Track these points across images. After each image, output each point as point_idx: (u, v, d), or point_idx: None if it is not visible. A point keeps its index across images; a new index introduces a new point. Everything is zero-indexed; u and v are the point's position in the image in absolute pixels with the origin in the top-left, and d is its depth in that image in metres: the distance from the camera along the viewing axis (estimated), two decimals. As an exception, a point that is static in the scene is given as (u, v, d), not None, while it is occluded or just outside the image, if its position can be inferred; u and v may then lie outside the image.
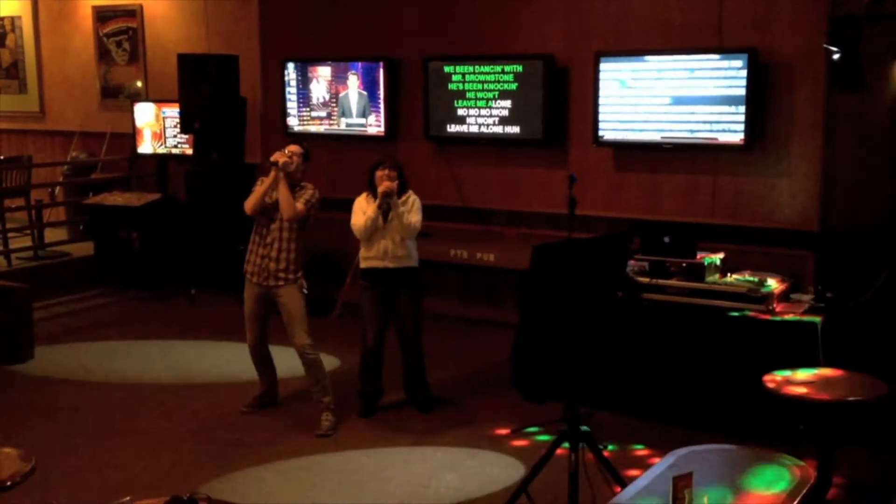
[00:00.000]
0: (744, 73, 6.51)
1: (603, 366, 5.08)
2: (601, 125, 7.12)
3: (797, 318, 5.40)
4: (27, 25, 11.20)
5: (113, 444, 5.51)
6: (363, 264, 5.89)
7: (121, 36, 10.52)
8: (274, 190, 5.60)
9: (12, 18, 11.33)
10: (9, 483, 3.77)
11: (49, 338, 7.55)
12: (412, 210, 5.78)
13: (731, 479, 3.53)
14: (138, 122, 9.80)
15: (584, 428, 4.34)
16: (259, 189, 5.64)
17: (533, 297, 4.13)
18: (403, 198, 5.77)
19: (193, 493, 3.20)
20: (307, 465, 5.26)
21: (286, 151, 5.68)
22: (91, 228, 9.61)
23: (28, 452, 4.05)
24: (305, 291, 5.75)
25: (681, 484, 3.20)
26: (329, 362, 5.88)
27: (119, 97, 10.56)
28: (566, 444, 4.24)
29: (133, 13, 10.35)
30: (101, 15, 10.59)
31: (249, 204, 5.65)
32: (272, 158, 5.63)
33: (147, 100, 10.03)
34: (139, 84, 10.44)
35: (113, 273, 9.31)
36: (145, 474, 5.09)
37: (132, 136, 9.90)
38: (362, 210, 5.79)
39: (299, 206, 5.59)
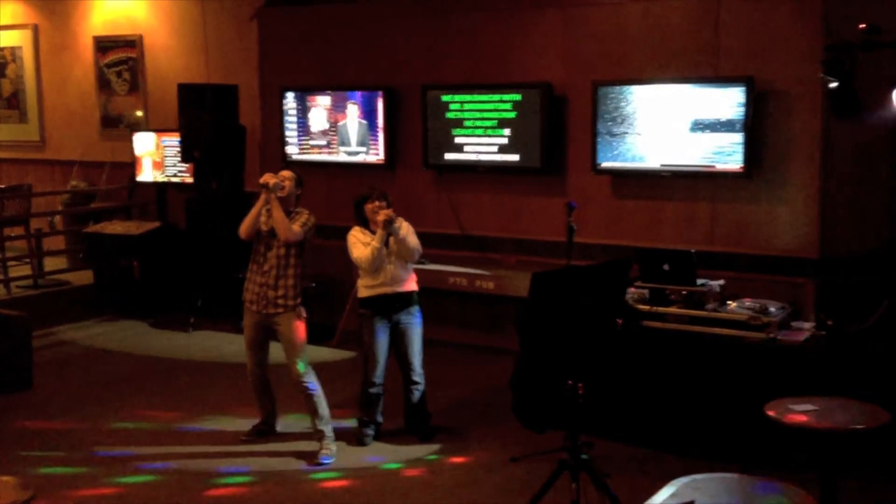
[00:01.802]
0: (742, 101, 6.55)
1: (603, 394, 5.07)
2: (599, 153, 7.15)
3: (798, 345, 5.39)
4: (28, 56, 11.27)
5: (110, 477, 5.47)
6: (366, 293, 5.87)
7: (121, 66, 10.59)
8: (269, 216, 5.60)
9: (13, 49, 11.40)
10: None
11: (48, 366, 7.53)
12: (409, 233, 5.81)
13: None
14: (138, 152, 9.83)
15: (585, 457, 4.33)
16: (252, 212, 5.64)
17: (532, 325, 4.12)
18: (397, 223, 5.77)
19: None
20: (306, 495, 5.23)
21: (278, 175, 5.68)
22: (90, 257, 9.60)
23: (26, 481, 4.04)
24: (305, 317, 5.74)
25: (683, 513, 3.19)
26: (328, 390, 5.86)
27: (119, 127, 10.61)
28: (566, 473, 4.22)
29: (133, 43, 10.43)
30: (102, 45, 10.66)
31: (243, 227, 5.67)
32: (262, 180, 5.62)
33: (147, 129, 10.07)
34: (139, 114, 10.49)
35: (112, 301, 9.31)
36: (144, 505, 5.07)
37: (132, 165, 9.93)
38: (362, 242, 5.78)
39: (296, 227, 5.59)
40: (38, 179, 10.85)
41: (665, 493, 3.64)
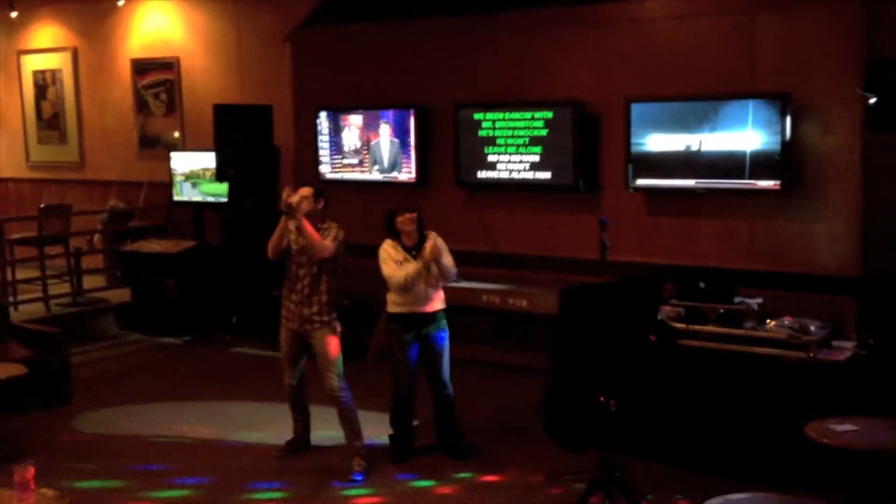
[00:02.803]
0: (778, 117, 6.49)
1: (639, 413, 5.02)
2: (633, 170, 7.11)
3: (839, 364, 5.30)
4: (68, 78, 11.47)
5: (145, 491, 5.51)
6: (395, 309, 5.88)
7: (158, 88, 10.74)
8: (299, 234, 5.60)
9: (53, 71, 11.61)
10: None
11: (85, 383, 7.60)
12: (444, 252, 5.79)
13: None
14: (175, 171, 9.94)
15: (618, 475, 4.28)
16: (276, 232, 5.65)
17: (562, 341, 4.09)
18: (431, 241, 5.76)
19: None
20: (339, 512, 5.23)
21: (296, 193, 5.63)
22: (128, 275, 9.71)
23: (64, 494, 4.08)
24: (339, 331, 5.75)
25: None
26: (361, 407, 5.86)
27: (156, 147, 10.74)
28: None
29: (171, 66, 10.57)
30: (140, 67, 10.83)
31: (269, 247, 5.70)
32: (286, 201, 5.54)
33: (183, 149, 10.19)
34: (176, 134, 10.62)
35: (149, 319, 9.39)
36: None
37: (169, 184, 10.04)
38: (394, 260, 5.77)
39: (328, 243, 5.60)
40: (78, 199, 10.97)
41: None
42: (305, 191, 5.70)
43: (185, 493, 5.48)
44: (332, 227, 5.74)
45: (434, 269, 5.71)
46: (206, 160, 9.50)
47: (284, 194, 5.59)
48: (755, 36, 6.77)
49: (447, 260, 5.78)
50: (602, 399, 4.21)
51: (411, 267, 5.68)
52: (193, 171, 9.84)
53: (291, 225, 5.61)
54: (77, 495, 5.22)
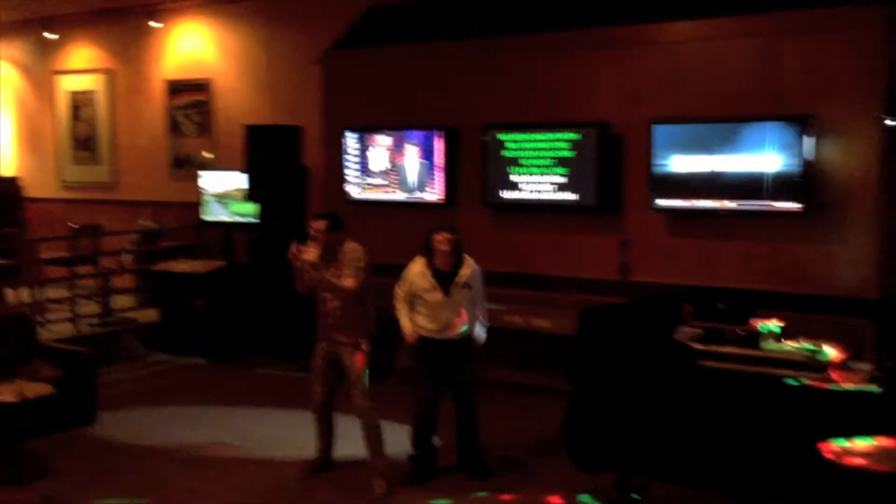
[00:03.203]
0: (800, 139, 6.49)
1: (657, 434, 5.01)
2: (655, 192, 7.13)
3: (856, 386, 5.26)
4: (102, 99, 11.69)
5: (170, 507, 5.60)
6: (420, 332, 5.91)
7: (191, 109, 10.92)
8: (317, 272, 5.67)
9: (88, 93, 11.85)
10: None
11: (112, 402, 7.70)
12: (478, 286, 5.93)
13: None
14: (205, 191, 10.08)
15: (635, 496, 4.28)
16: (298, 272, 5.71)
17: (582, 361, 4.11)
18: (467, 270, 5.81)
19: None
20: (359, 531, 5.27)
21: (311, 229, 5.70)
22: (157, 295, 9.85)
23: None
24: (367, 350, 5.80)
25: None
26: (386, 426, 5.91)
27: (188, 167, 10.90)
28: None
29: (203, 87, 10.75)
30: (173, 89, 11.02)
31: (298, 288, 5.81)
32: (305, 260, 5.64)
33: (214, 169, 10.34)
34: (207, 154, 10.77)
35: (176, 339, 9.50)
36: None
37: (199, 204, 10.19)
38: (421, 287, 5.81)
39: (349, 283, 5.65)
40: (110, 219, 11.16)
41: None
42: (319, 224, 5.72)
43: (208, 509, 5.55)
44: (353, 254, 5.72)
45: (454, 293, 5.77)
46: (237, 180, 9.63)
47: (291, 253, 5.65)
48: (778, 59, 6.78)
49: (481, 331, 5.97)
50: (619, 419, 4.19)
51: (408, 327, 5.85)
52: (224, 191, 9.97)
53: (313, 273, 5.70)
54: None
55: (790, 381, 5.41)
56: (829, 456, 4.36)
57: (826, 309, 6.47)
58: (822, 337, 5.86)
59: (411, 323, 5.86)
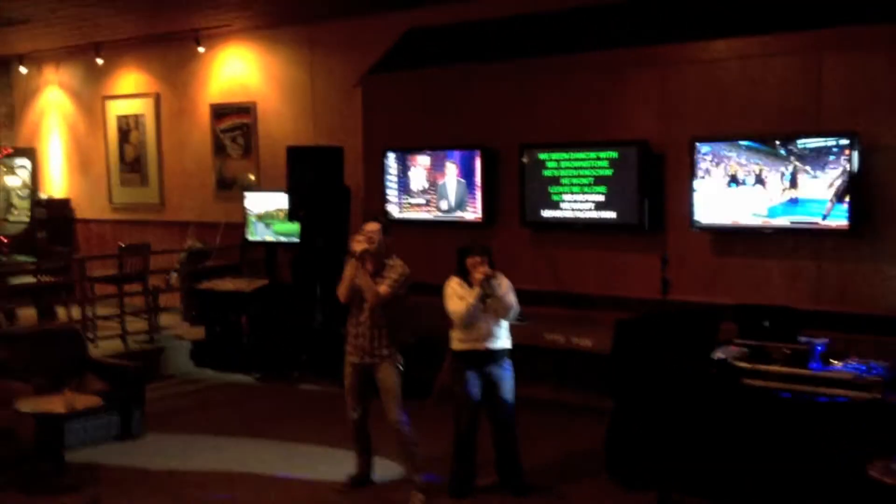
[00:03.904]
0: (846, 156, 6.43)
1: (701, 453, 4.96)
2: (697, 210, 7.10)
3: (904, 404, 5.20)
4: (150, 123, 11.94)
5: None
6: (459, 346, 5.95)
7: (235, 131, 11.11)
8: (358, 278, 5.73)
9: (136, 117, 12.11)
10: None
11: (158, 417, 7.81)
12: (507, 291, 5.85)
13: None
14: (249, 211, 10.23)
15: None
16: (346, 277, 5.79)
17: (620, 373, 4.11)
18: (497, 280, 5.85)
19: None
20: (399, 546, 5.28)
21: (364, 231, 5.79)
22: (203, 313, 9.98)
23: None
24: (401, 367, 5.84)
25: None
26: (424, 444, 5.93)
27: (233, 188, 11.08)
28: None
29: (247, 110, 10.94)
30: (218, 112, 11.22)
31: (340, 293, 5.85)
32: (350, 248, 5.75)
33: (258, 190, 10.49)
34: (252, 177, 10.94)
35: (222, 356, 9.61)
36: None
37: (244, 224, 10.33)
38: (458, 295, 5.87)
39: (383, 289, 5.71)
40: (157, 239, 11.37)
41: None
42: (373, 226, 5.84)
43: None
44: (396, 266, 5.84)
45: (489, 302, 5.76)
46: (280, 201, 9.76)
47: (352, 245, 5.76)
48: (822, 74, 6.74)
49: (509, 299, 5.82)
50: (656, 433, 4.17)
51: (469, 297, 5.76)
52: (267, 211, 10.11)
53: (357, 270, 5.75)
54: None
55: (838, 401, 5.36)
56: (873, 474, 4.30)
57: (875, 328, 6.37)
58: (870, 357, 5.79)
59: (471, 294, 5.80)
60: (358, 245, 5.74)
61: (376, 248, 5.78)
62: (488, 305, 5.79)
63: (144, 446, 7.14)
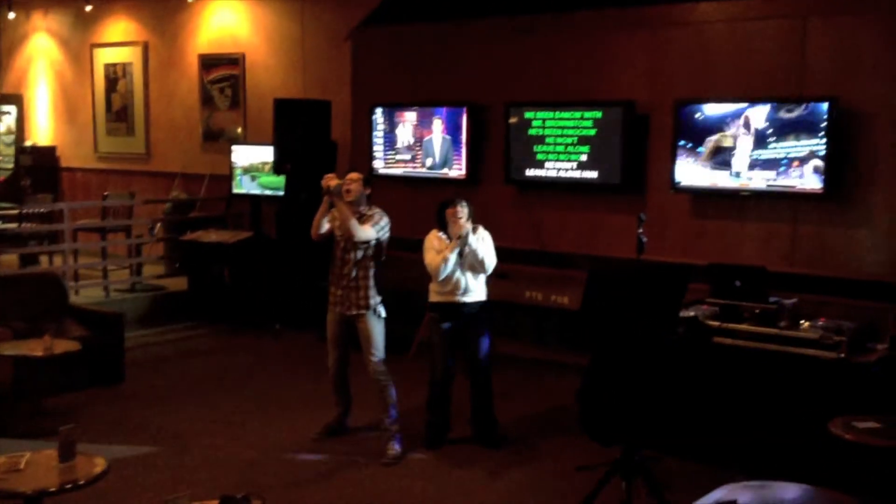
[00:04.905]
0: (825, 121, 6.47)
1: (662, 399, 5.04)
2: (678, 172, 7.14)
3: (869, 365, 5.28)
4: (137, 72, 11.87)
5: (187, 464, 5.74)
6: (435, 298, 6.01)
7: (224, 83, 11.05)
8: (337, 218, 5.74)
9: (124, 65, 12.03)
10: (82, 482, 4.03)
11: (139, 364, 7.88)
12: (484, 244, 5.90)
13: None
14: (235, 164, 10.21)
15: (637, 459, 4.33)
16: (318, 213, 5.81)
17: (587, 322, 4.17)
18: (476, 234, 5.89)
19: (247, 494, 3.33)
20: (370, 491, 5.37)
21: (344, 180, 5.78)
22: (186, 264, 10.02)
23: (102, 457, 4.29)
24: (383, 316, 5.89)
25: (723, 512, 3.19)
26: (401, 397, 6.01)
27: (219, 140, 11.05)
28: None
29: (236, 61, 10.88)
30: (207, 63, 11.15)
31: (313, 228, 5.86)
32: (323, 183, 5.67)
33: (244, 143, 10.47)
34: (239, 129, 10.91)
35: (203, 307, 9.67)
36: (214, 489, 5.27)
37: (229, 177, 10.33)
38: (435, 249, 5.92)
39: (366, 227, 5.72)
40: (143, 190, 11.35)
41: (714, 495, 3.64)
42: (354, 175, 5.89)
43: (225, 462, 5.67)
44: (375, 213, 5.87)
45: (468, 253, 5.80)
46: (266, 154, 9.75)
47: (324, 180, 5.71)
48: (806, 40, 6.75)
49: (483, 250, 5.86)
50: (624, 384, 4.25)
51: (446, 250, 5.80)
52: (252, 164, 10.10)
53: (334, 211, 5.75)
54: (121, 464, 5.44)
55: (804, 360, 5.44)
56: (833, 430, 4.38)
57: (848, 292, 6.44)
58: (839, 318, 5.87)
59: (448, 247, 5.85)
60: (331, 179, 5.68)
61: (353, 198, 5.79)
62: (464, 259, 5.84)
63: (123, 393, 7.21)
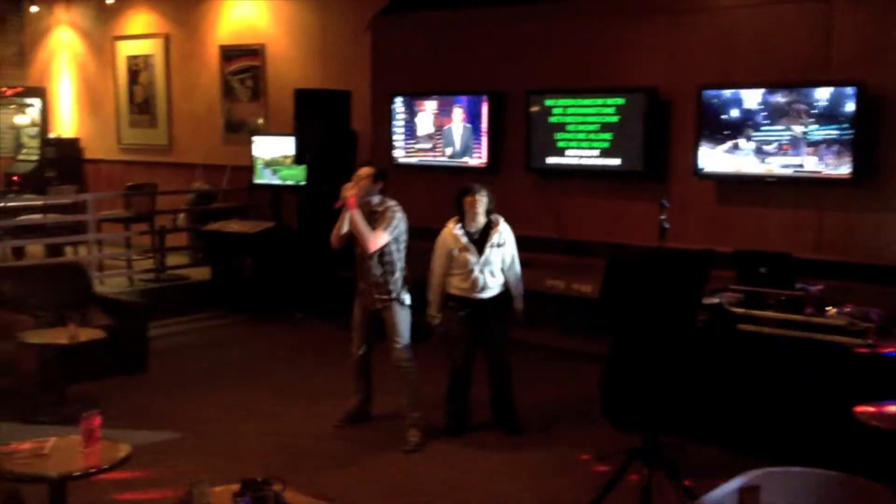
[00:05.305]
0: (852, 106, 6.38)
1: (685, 386, 4.99)
2: (702, 158, 7.08)
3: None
4: (159, 64, 11.92)
5: (209, 450, 5.76)
6: (454, 292, 5.99)
7: (244, 74, 11.07)
8: (350, 226, 5.68)
9: (146, 57, 12.09)
10: (105, 466, 4.05)
11: (162, 353, 7.91)
12: (515, 271, 6.00)
13: (805, 500, 3.44)
14: (256, 157, 10.22)
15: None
16: (337, 225, 5.77)
17: (606, 309, 4.13)
18: (496, 237, 5.85)
19: (268, 478, 3.33)
20: (391, 476, 5.37)
21: (353, 178, 5.72)
22: (208, 254, 10.06)
23: (125, 443, 4.32)
24: (408, 304, 5.87)
25: (747, 496, 3.15)
26: (424, 384, 6.00)
27: (241, 132, 11.07)
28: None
29: (257, 52, 10.90)
30: (228, 54, 11.18)
31: (332, 239, 5.84)
32: (341, 198, 5.62)
33: (266, 134, 10.48)
34: (260, 121, 10.93)
35: (226, 297, 9.70)
36: (235, 475, 5.27)
37: (251, 168, 10.34)
38: (456, 247, 5.88)
39: (378, 234, 5.67)
40: (165, 181, 11.41)
41: (736, 482, 3.60)
42: (365, 171, 5.78)
43: (247, 451, 5.69)
44: (388, 211, 5.75)
45: (489, 253, 5.82)
46: (286, 147, 9.74)
47: (344, 191, 5.65)
48: (832, 24, 6.66)
49: (518, 268, 5.99)
50: (645, 372, 4.21)
51: (460, 262, 5.84)
52: (274, 157, 10.08)
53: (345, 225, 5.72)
54: (140, 451, 5.45)
55: (831, 347, 5.38)
56: (860, 416, 4.32)
57: (875, 278, 6.37)
58: (866, 305, 5.79)
59: (437, 304, 5.95)
60: (347, 191, 5.65)
61: (364, 193, 5.70)
62: (486, 255, 5.82)
63: (146, 381, 7.23)
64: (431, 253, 6.06)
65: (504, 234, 5.92)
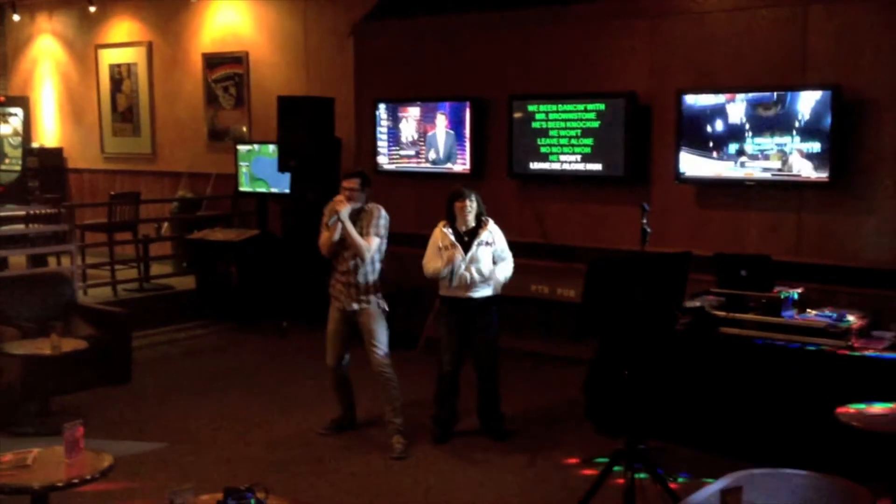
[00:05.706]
0: (828, 109, 6.44)
1: (668, 390, 5.02)
2: (682, 162, 7.12)
3: (876, 353, 5.26)
4: (142, 72, 11.89)
5: (194, 459, 5.75)
6: (444, 292, 6.01)
7: (228, 81, 11.06)
8: (341, 234, 5.75)
9: (129, 65, 12.05)
10: (89, 477, 4.04)
11: (146, 363, 7.91)
12: (506, 260, 5.98)
13: (787, 501, 3.47)
14: (241, 163, 10.22)
15: (641, 447, 4.32)
16: (325, 235, 5.82)
17: (588, 312, 4.16)
18: (484, 235, 5.87)
19: (252, 485, 3.34)
20: (377, 484, 5.38)
21: (343, 189, 5.80)
22: (193, 263, 10.03)
23: (108, 454, 4.31)
24: (385, 310, 5.90)
25: (729, 498, 3.18)
26: (407, 392, 6.02)
27: (224, 140, 11.06)
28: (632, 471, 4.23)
29: (240, 60, 10.88)
30: (211, 62, 11.16)
31: (323, 249, 5.88)
32: (334, 209, 5.72)
33: (250, 141, 10.48)
34: (244, 128, 10.92)
35: (211, 305, 9.68)
36: (220, 485, 5.27)
37: (235, 176, 10.34)
38: (441, 245, 5.90)
39: (369, 241, 5.76)
40: (149, 190, 11.40)
41: (718, 484, 3.64)
42: (351, 183, 5.83)
43: (231, 457, 5.69)
44: (373, 214, 5.84)
45: (476, 252, 5.82)
46: (270, 155, 9.74)
47: (335, 204, 5.74)
48: (807, 28, 6.73)
49: (508, 269, 5.97)
50: (626, 373, 4.26)
51: (445, 259, 5.81)
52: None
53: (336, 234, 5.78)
54: (125, 460, 5.45)
55: (810, 348, 5.43)
56: (841, 417, 4.36)
57: (853, 280, 6.43)
58: (848, 307, 5.85)
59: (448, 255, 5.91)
60: (340, 204, 5.73)
61: (356, 201, 5.79)
62: (473, 254, 5.83)
63: (130, 392, 7.22)
64: (422, 258, 6.06)
65: (493, 233, 5.94)
